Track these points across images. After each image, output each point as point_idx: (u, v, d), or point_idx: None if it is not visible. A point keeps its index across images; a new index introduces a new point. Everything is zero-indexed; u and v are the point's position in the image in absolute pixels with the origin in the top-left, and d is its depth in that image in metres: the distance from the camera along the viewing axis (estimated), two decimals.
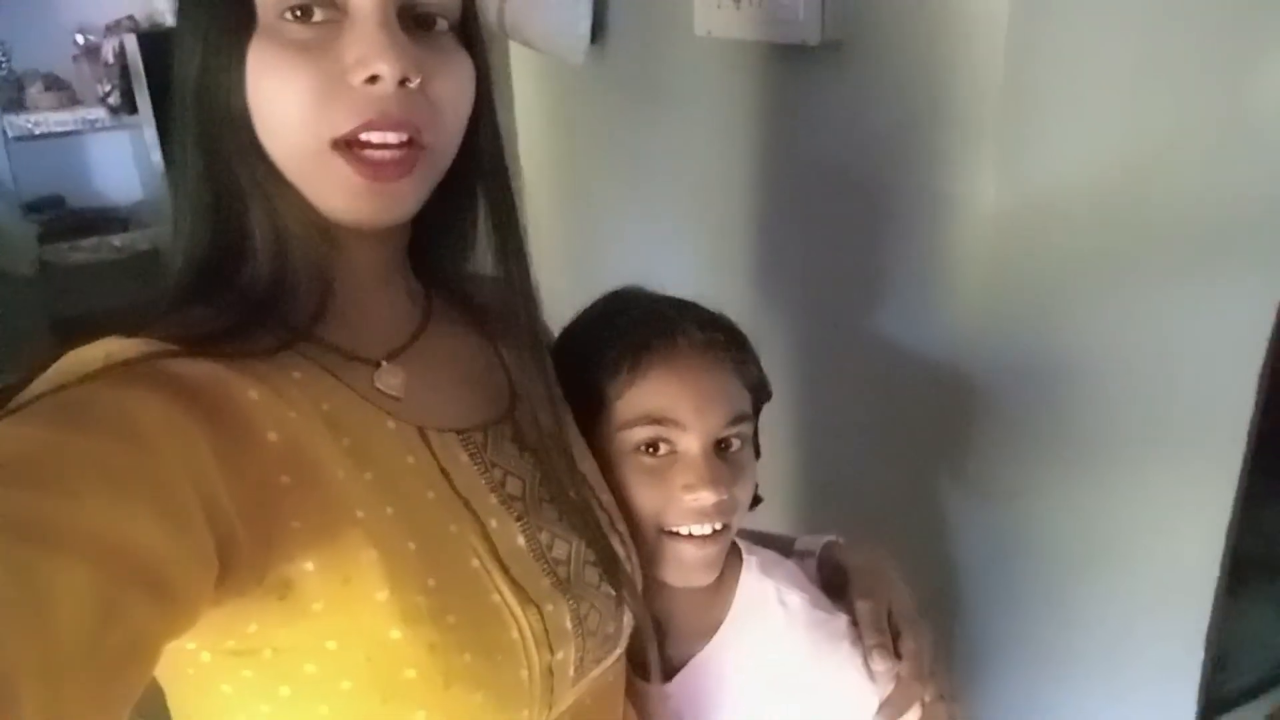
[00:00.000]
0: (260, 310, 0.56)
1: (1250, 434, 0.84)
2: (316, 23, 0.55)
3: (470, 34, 0.61)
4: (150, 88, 2.80)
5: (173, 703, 0.57)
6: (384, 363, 0.61)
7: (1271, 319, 0.80)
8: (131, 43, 2.76)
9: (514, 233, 0.66)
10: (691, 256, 1.43)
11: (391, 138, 0.55)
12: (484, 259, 0.69)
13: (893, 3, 1.00)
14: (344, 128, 0.54)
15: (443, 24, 0.59)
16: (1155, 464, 0.91)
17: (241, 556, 0.48)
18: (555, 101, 1.74)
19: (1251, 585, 0.97)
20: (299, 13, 0.54)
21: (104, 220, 3.45)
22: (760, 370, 0.80)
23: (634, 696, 0.77)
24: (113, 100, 2.98)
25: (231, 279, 0.58)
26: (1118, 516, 0.94)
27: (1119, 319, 0.89)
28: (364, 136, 0.55)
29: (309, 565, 0.51)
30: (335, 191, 0.56)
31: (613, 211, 1.61)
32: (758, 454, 0.81)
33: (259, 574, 0.50)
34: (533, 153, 1.79)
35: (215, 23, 0.55)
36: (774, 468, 0.84)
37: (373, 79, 0.54)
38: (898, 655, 0.77)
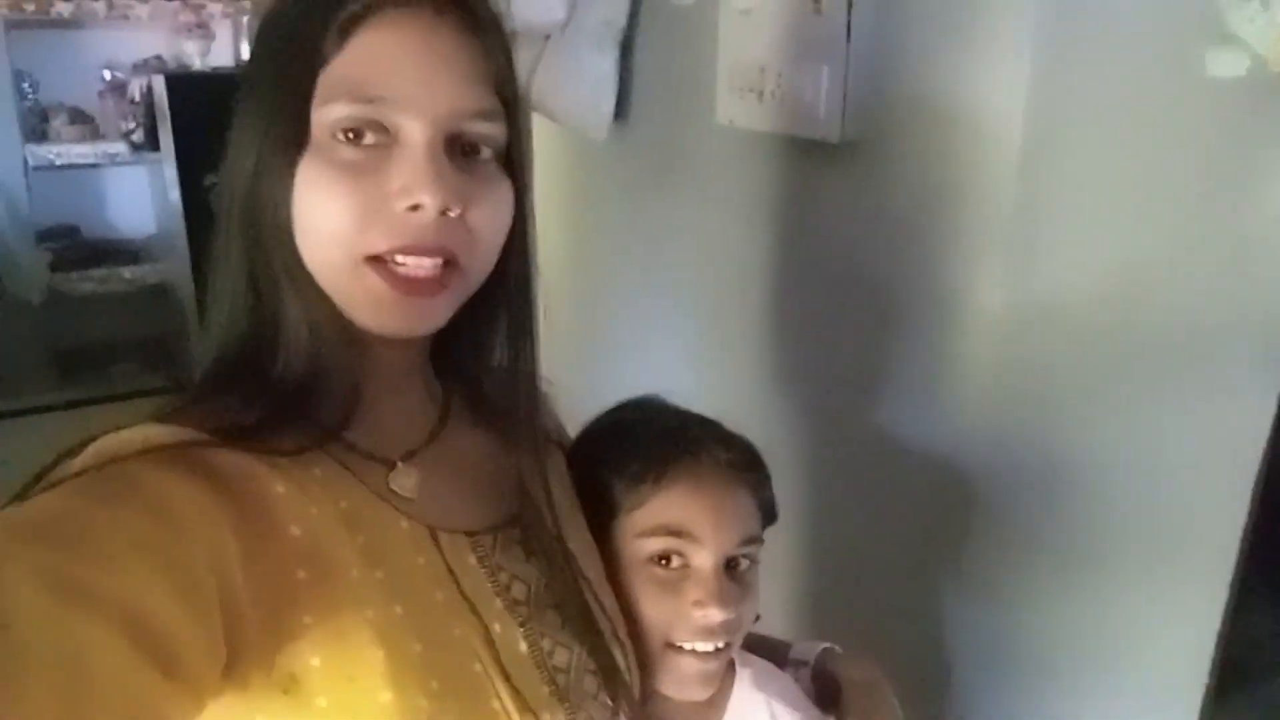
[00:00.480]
0: (290, 408, 0.58)
1: (1243, 543, 0.86)
2: (367, 145, 0.57)
3: (514, 161, 0.63)
4: (174, 128, 2.85)
5: None
6: (400, 463, 0.63)
7: (1266, 430, 0.82)
8: (160, 83, 2.81)
9: (526, 346, 0.69)
10: (694, 338, 1.46)
11: (426, 262, 0.57)
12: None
13: (912, 107, 1.04)
14: (380, 247, 0.57)
15: (487, 152, 0.61)
16: (1147, 571, 0.92)
17: (250, 647, 0.50)
18: (576, 175, 1.79)
19: (1237, 692, 0.98)
20: (351, 135, 0.57)
21: (115, 252, 3.49)
22: (772, 493, 0.82)
23: None
24: (136, 137, 3.03)
25: (263, 374, 0.59)
26: (1109, 623, 0.96)
27: (1117, 425, 0.91)
28: (399, 257, 0.57)
29: (315, 661, 0.52)
30: (366, 303, 0.58)
31: (623, 285, 1.65)
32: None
33: (266, 666, 0.51)
34: (549, 224, 1.83)
35: (271, 135, 0.57)
36: (773, 562, 0.86)
37: (414, 207, 0.56)
38: None
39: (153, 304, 3.41)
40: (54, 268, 3.53)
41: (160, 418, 0.54)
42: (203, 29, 3.09)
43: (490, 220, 0.61)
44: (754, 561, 0.79)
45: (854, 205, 1.14)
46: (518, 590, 0.64)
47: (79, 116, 3.39)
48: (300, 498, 0.54)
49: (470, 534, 0.64)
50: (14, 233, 3.44)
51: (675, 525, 0.74)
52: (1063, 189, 0.92)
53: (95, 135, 3.40)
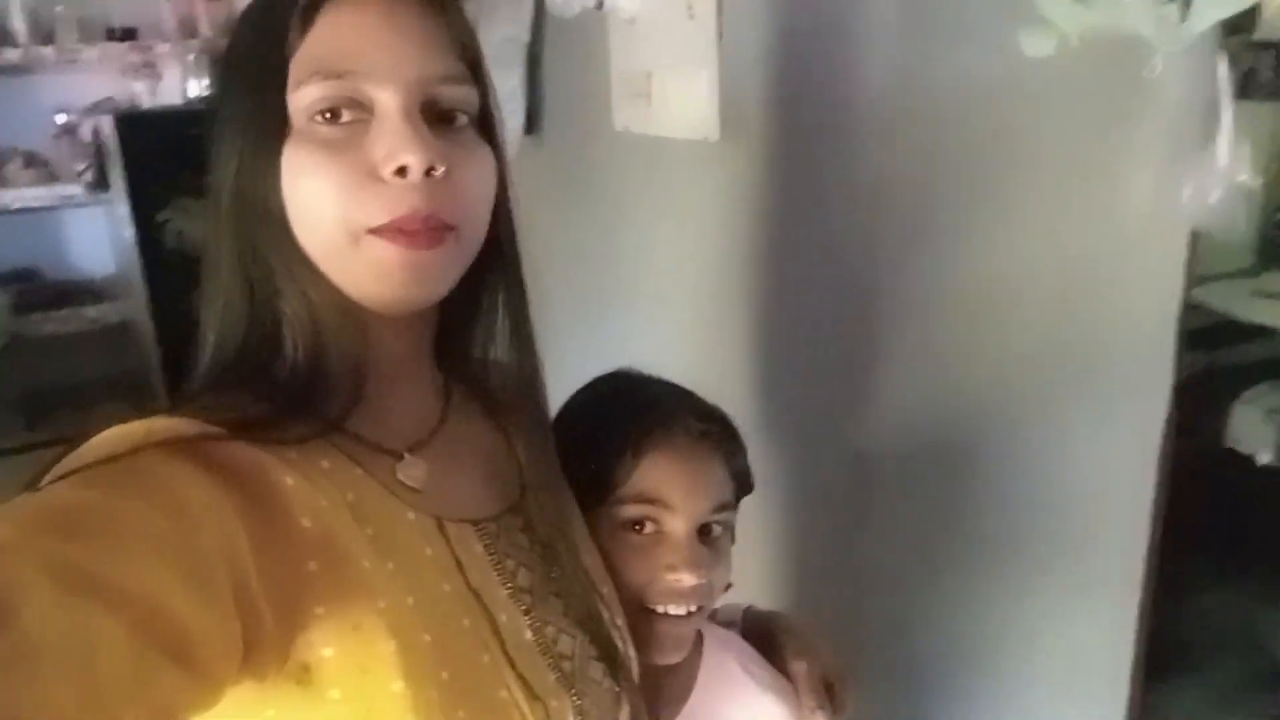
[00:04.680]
0: (296, 399, 0.58)
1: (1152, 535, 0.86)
2: (345, 123, 0.57)
3: (489, 127, 0.64)
4: (125, 166, 2.88)
5: None
6: (406, 454, 0.63)
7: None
8: (107, 123, 2.85)
9: (524, 320, 0.69)
10: (615, 342, 1.50)
11: (431, 222, 0.58)
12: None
13: (785, 104, 1.09)
14: (379, 220, 0.57)
15: (463, 119, 0.61)
16: (1059, 562, 0.94)
17: (265, 639, 0.50)
18: None
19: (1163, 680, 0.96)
20: (328, 114, 0.57)
21: (78, 292, 3.51)
22: (746, 463, 0.85)
23: None
24: (88, 177, 3.06)
25: (266, 367, 0.59)
26: (1023, 614, 0.98)
27: (1024, 423, 0.94)
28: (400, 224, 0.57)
29: (328, 652, 0.52)
30: (370, 273, 0.58)
31: (545, 298, 1.68)
32: (732, 540, 0.85)
33: (280, 658, 0.51)
34: None
35: (251, 129, 0.58)
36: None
37: (401, 170, 0.56)
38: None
39: (115, 342, 3.43)
40: (16, 310, 3.57)
41: (167, 410, 0.53)
42: (150, 68, 3.13)
43: (476, 182, 0.61)
44: (727, 529, 0.81)
45: (732, 199, 1.18)
46: (523, 578, 0.65)
47: (33, 160, 3.42)
48: (310, 490, 0.54)
49: (475, 523, 0.64)
50: None
51: (650, 493, 0.76)
52: (929, 179, 0.96)
53: (51, 178, 3.43)
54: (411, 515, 0.60)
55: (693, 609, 0.78)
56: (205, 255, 0.61)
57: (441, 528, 0.61)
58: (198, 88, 3.03)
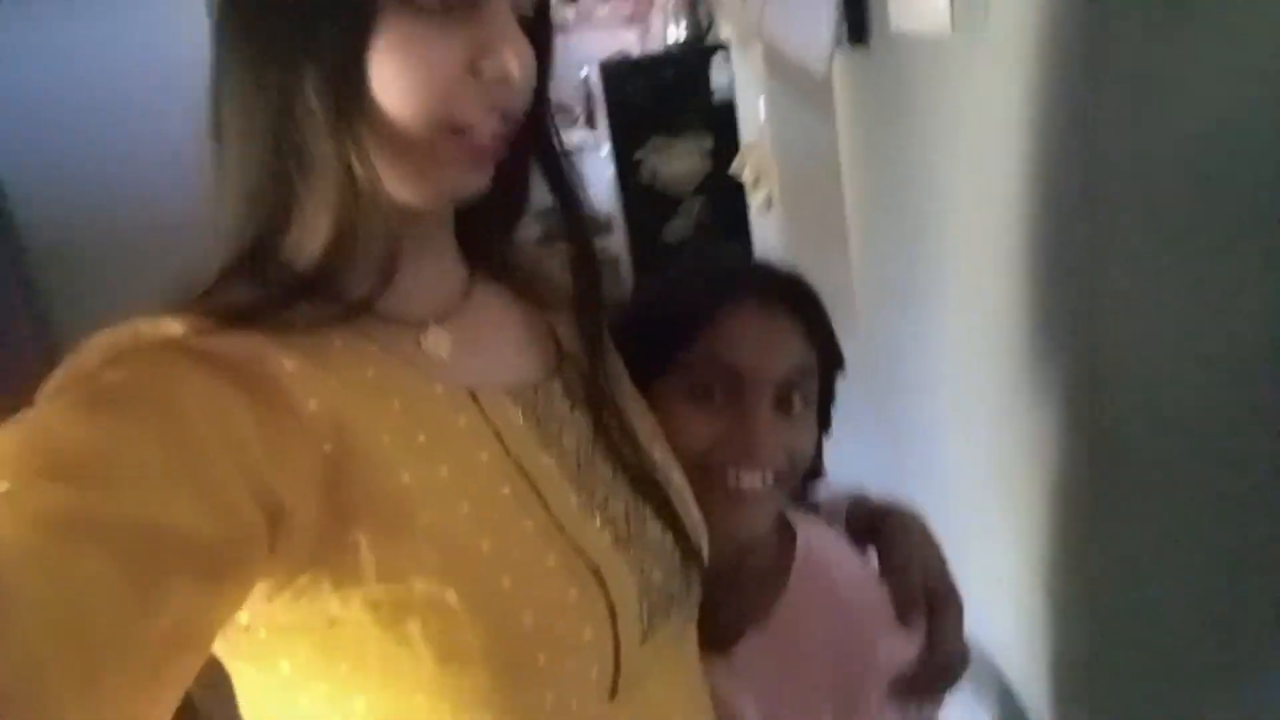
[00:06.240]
0: (308, 284, 0.55)
1: None
2: (451, 5, 0.53)
3: (544, 14, 0.61)
4: (609, 111, 3.19)
5: (237, 684, 0.57)
6: (432, 325, 0.61)
7: None
8: (595, 71, 3.17)
9: (571, 194, 0.66)
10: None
11: (499, 124, 0.56)
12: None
13: None
14: (470, 118, 0.54)
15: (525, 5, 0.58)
16: None
17: (292, 527, 0.48)
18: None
19: None
20: None
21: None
22: (833, 338, 0.80)
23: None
24: (580, 123, 3.45)
25: (278, 256, 0.56)
26: None
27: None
28: (479, 125, 0.55)
29: (360, 533, 0.50)
30: (436, 174, 0.56)
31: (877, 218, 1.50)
32: (827, 426, 0.81)
33: (309, 544, 0.49)
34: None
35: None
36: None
37: (503, 79, 0.55)
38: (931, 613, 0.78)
39: (610, 275, 3.87)
40: (541, 242, 4.18)
41: (160, 310, 0.51)
42: (641, 20, 3.39)
43: (533, 76, 0.58)
44: (808, 403, 0.77)
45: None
46: (567, 442, 0.62)
47: (560, 109, 3.96)
48: (315, 371, 0.52)
49: (511, 391, 0.61)
50: None
51: (722, 356, 0.73)
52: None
53: (571, 125, 3.93)
54: (440, 388, 0.58)
55: (769, 479, 0.73)
56: (225, 139, 0.56)
57: (475, 398, 0.59)
58: (675, 34, 3.21)
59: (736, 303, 0.75)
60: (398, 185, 0.55)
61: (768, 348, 0.74)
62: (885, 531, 0.84)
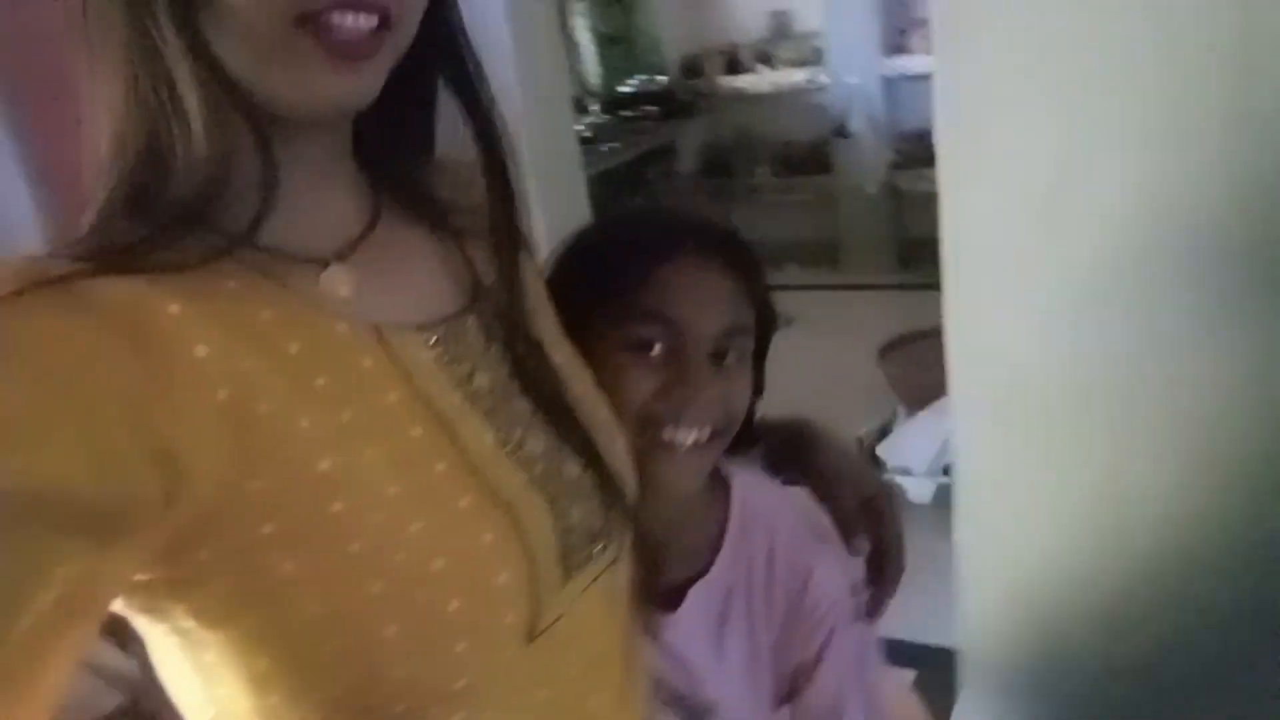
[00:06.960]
0: (189, 216, 0.51)
1: None
2: None
3: None
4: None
5: (149, 646, 0.55)
6: (332, 263, 0.56)
7: None
8: None
9: (481, 109, 0.62)
10: None
11: (362, 19, 0.49)
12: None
13: None
14: (312, 6, 0.48)
15: None
16: None
17: (191, 478, 0.46)
18: None
19: None
20: None
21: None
22: (768, 295, 0.81)
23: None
24: None
25: (158, 186, 0.52)
26: None
27: None
28: (335, 15, 0.49)
29: (258, 480, 0.48)
30: (292, 74, 0.50)
31: None
32: (760, 387, 0.82)
33: (209, 494, 0.47)
34: None
35: None
36: None
37: None
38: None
39: None
40: (895, 166, 4.09)
41: (34, 256, 0.49)
42: None
43: None
44: (742, 356, 0.78)
45: None
46: (480, 380, 0.59)
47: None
48: (200, 315, 0.48)
49: (420, 327, 0.58)
50: (870, 135, 4.12)
51: (657, 310, 0.74)
52: None
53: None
54: (342, 327, 0.54)
55: (705, 433, 0.74)
56: (91, 74, 0.53)
57: (381, 336, 0.55)
58: None
59: (675, 257, 0.75)
60: (262, 90, 0.50)
61: (706, 302, 0.74)
62: (804, 456, 0.85)
